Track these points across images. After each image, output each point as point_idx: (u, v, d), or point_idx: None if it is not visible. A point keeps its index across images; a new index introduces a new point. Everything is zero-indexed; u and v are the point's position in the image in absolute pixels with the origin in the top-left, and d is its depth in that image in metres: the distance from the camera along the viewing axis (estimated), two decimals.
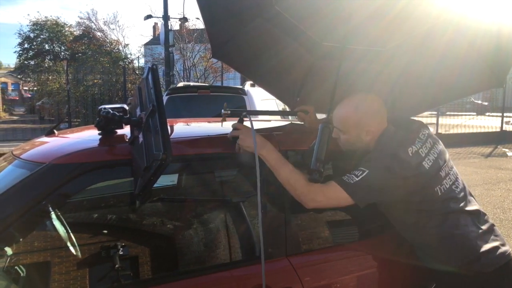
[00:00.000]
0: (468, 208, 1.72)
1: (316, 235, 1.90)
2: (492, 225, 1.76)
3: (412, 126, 1.80)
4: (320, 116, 2.11)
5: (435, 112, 13.85)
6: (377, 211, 1.89)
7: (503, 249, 1.69)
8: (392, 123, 1.77)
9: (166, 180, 2.11)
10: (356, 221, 2.02)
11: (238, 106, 5.01)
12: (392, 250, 1.91)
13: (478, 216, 1.74)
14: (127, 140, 1.61)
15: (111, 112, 1.52)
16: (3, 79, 36.21)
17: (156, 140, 1.33)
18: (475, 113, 18.13)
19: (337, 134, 1.78)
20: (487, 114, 18.01)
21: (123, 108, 1.67)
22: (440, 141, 1.81)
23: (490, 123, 15.21)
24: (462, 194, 1.73)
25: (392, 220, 1.84)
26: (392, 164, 1.61)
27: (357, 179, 1.60)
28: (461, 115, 16.63)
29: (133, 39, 76.52)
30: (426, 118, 13.41)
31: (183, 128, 2.24)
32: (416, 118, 1.98)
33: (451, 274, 1.67)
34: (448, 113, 15.44)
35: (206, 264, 1.74)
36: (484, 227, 1.71)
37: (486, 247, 1.66)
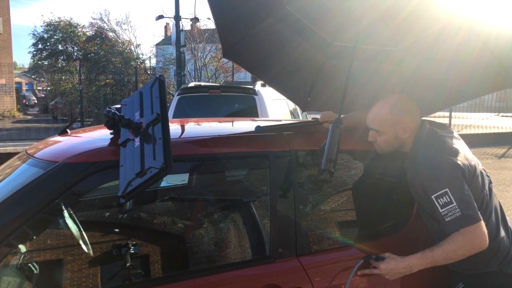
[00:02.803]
0: (499, 209, 1.76)
1: (327, 235, 1.90)
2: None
3: (442, 125, 1.87)
4: None
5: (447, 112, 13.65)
6: (389, 210, 1.87)
7: None
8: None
9: (177, 179, 2.13)
10: (368, 220, 2.00)
11: (249, 106, 5.00)
12: (407, 249, 1.89)
13: (505, 216, 1.78)
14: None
15: (112, 111, 1.50)
16: (17, 79, 36.72)
17: (156, 148, 1.34)
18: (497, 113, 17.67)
19: (373, 137, 1.80)
20: (501, 114, 17.66)
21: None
22: None
23: (504, 123, 14.96)
24: (493, 193, 1.78)
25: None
26: (453, 159, 1.64)
27: (454, 205, 1.56)
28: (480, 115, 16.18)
29: (145, 39, 76.99)
30: (438, 118, 13.22)
31: (194, 127, 2.25)
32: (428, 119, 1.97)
33: (481, 274, 1.69)
34: (466, 112, 15.09)
35: (217, 263, 1.75)
36: (510, 228, 1.76)
37: None
